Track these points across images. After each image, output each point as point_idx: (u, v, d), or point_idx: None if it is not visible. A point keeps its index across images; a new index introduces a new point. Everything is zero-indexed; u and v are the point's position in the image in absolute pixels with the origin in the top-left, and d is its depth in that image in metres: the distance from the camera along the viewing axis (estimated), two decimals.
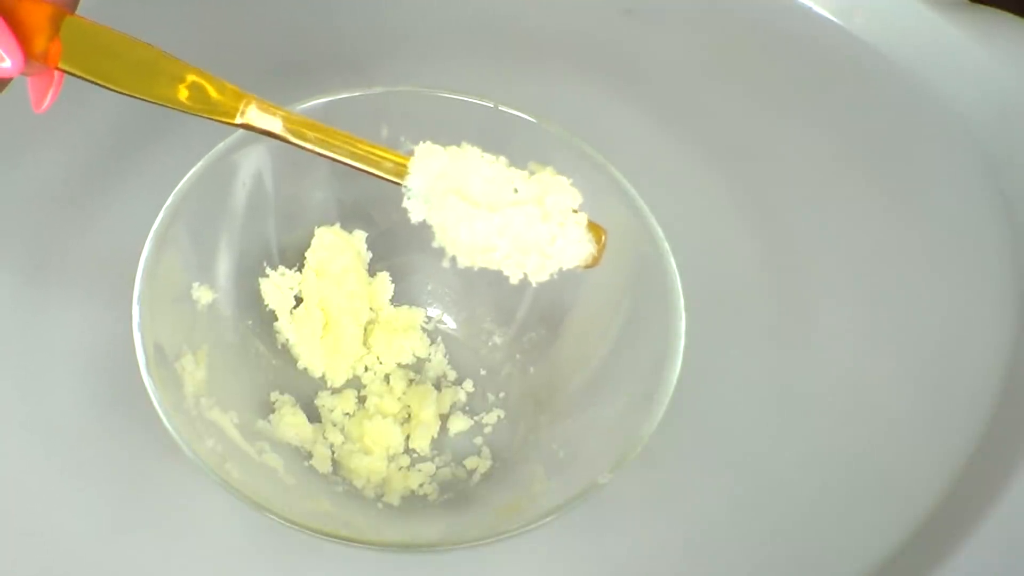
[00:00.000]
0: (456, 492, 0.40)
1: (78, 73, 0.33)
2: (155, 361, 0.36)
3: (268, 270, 0.43)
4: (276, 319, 0.43)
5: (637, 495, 0.40)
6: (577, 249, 0.33)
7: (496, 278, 0.40)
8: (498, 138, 0.42)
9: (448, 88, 0.42)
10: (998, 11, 0.57)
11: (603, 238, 0.34)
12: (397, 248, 0.45)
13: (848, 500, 0.41)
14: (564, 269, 0.33)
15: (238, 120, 0.34)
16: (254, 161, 0.41)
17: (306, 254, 0.43)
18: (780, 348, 0.46)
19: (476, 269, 0.34)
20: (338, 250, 0.43)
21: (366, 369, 0.44)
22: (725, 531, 0.40)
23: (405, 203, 0.34)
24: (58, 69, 0.33)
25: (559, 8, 0.59)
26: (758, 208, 0.51)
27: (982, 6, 0.58)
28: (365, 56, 0.56)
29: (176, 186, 0.39)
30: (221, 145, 0.40)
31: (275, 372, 0.42)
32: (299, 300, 0.43)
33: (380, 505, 0.39)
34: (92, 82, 0.33)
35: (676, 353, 0.37)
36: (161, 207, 0.38)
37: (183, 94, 0.33)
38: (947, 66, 0.56)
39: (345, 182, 0.44)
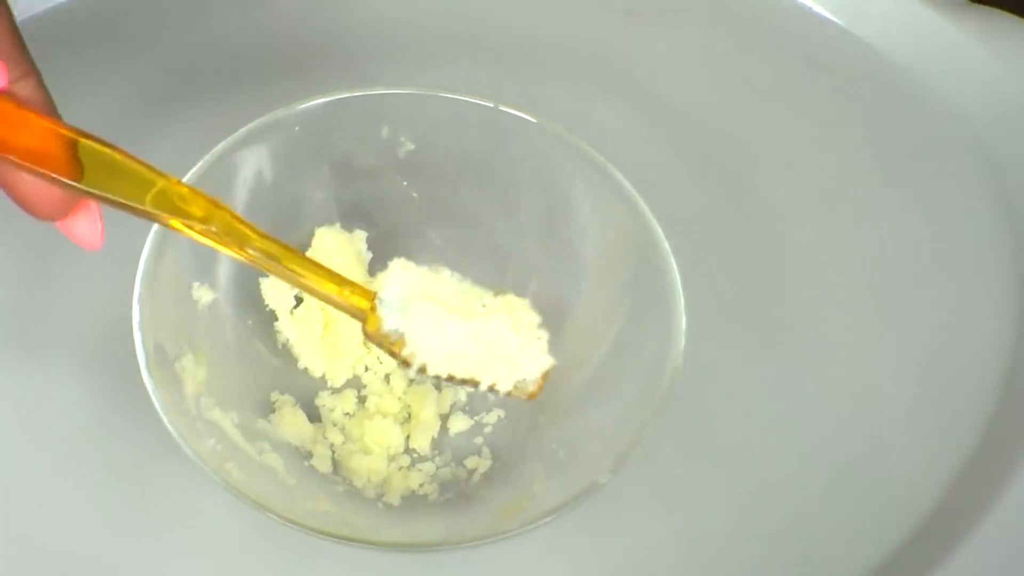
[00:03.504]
0: (456, 492, 0.40)
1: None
2: (155, 361, 0.36)
3: None
4: (276, 319, 0.43)
5: (637, 495, 0.40)
6: (537, 363, 0.35)
7: (498, 280, 0.41)
8: (498, 138, 0.42)
9: (448, 88, 0.42)
10: (998, 11, 0.57)
11: (547, 374, 0.36)
12: (397, 248, 0.44)
13: (848, 500, 0.41)
14: (523, 380, 0.36)
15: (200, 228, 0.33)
16: (254, 161, 0.41)
17: (306, 254, 0.43)
18: (780, 348, 0.46)
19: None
20: (338, 250, 0.43)
21: (366, 369, 0.44)
22: (725, 531, 0.40)
23: (379, 311, 0.35)
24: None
25: (559, 8, 0.59)
26: (758, 208, 0.51)
27: (982, 6, 0.58)
28: (365, 56, 0.56)
29: None
30: (221, 145, 0.40)
31: (275, 372, 0.42)
32: (299, 300, 0.43)
33: (380, 505, 0.39)
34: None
35: (676, 353, 0.37)
36: None
37: (154, 197, 0.32)
38: (947, 66, 0.56)
39: (345, 182, 0.44)
